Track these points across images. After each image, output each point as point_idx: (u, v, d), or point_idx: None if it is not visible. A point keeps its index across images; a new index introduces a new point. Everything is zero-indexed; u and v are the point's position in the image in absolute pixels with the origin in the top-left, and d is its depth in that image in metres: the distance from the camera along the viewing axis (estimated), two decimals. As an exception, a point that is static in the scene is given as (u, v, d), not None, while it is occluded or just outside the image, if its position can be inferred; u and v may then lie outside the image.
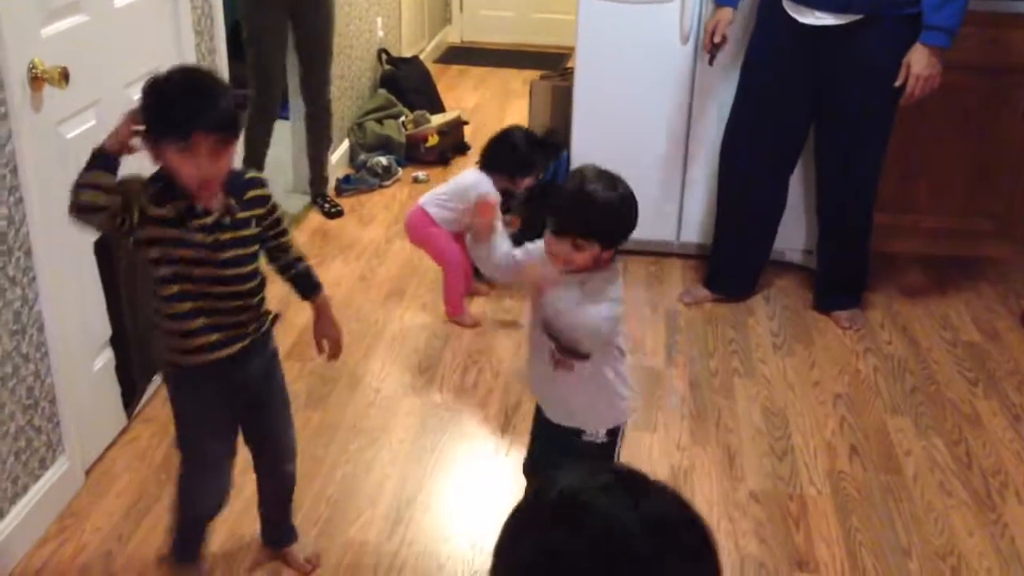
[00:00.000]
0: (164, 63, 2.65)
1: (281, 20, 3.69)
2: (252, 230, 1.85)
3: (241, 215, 1.82)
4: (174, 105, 1.71)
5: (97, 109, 2.35)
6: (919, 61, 2.87)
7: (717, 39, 3.15)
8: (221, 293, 1.82)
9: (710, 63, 3.25)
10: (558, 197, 1.89)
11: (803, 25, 2.94)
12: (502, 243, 1.96)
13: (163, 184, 1.76)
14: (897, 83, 2.91)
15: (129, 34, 2.50)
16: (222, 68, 3.05)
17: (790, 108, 3.11)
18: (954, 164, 3.59)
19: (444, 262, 3.21)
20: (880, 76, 2.94)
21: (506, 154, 3.16)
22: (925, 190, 3.64)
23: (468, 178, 3.21)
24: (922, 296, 3.45)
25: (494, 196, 2.89)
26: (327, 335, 2.08)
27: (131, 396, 2.60)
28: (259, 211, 1.87)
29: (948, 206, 3.66)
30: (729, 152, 3.26)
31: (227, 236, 1.80)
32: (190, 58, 2.80)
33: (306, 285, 2.02)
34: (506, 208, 3.04)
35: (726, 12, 3.15)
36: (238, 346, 1.87)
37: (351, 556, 2.21)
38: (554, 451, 2.04)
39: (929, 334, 3.21)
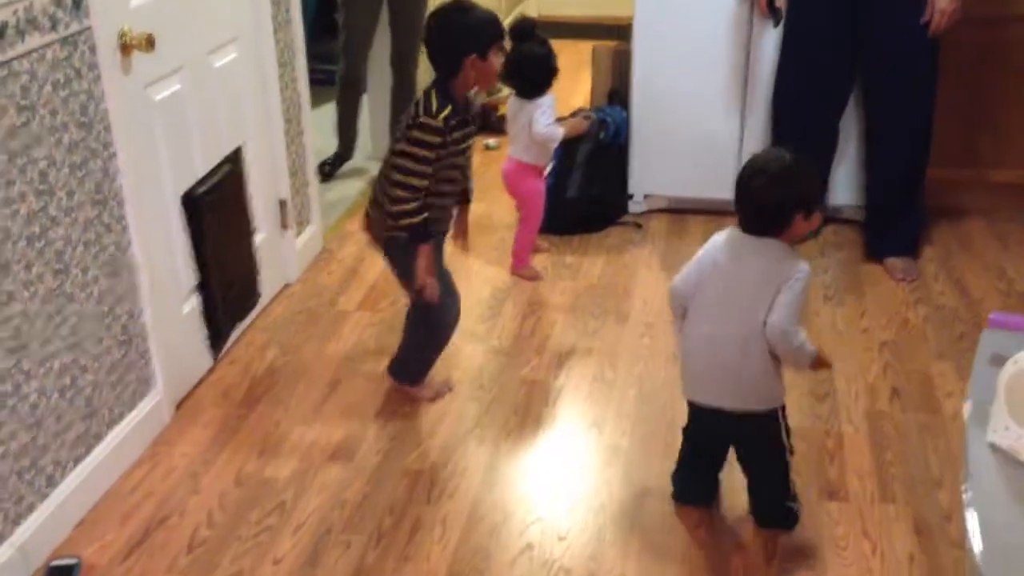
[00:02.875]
0: (242, 32, 2.90)
1: None
2: None
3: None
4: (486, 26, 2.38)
5: (181, 74, 2.59)
6: None
7: (777, 4, 3.26)
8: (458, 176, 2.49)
9: (775, 25, 3.34)
10: (748, 202, 2.05)
11: None
12: None
13: (451, 110, 2.35)
14: (923, 19, 3.02)
15: (209, 5, 2.73)
16: (297, 37, 3.27)
17: (834, 53, 3.22)
18: (1017, 117, 3.60)
19: (531, 215, 3.35)
20: (918, 15, 3.05)
21: (536, 68, 3.19)
22: (988, 144, 3.66)
23: (543, 100, 3.24)
24: (980, 249, 3.48)
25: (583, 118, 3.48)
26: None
27: (217, 339, 2.85)
28: None
29: (1011, 159, 3.68)
30: (779, 100, 3.38)
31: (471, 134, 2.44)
32: (267, 28, 3.03)
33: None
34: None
35: None
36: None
37: (405, 486, 2.41)
38: (752, 453, 2.18)
39: (983, 285, 3.24)
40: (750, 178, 2.04)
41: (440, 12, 2.45)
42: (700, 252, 2.14)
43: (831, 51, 3.23)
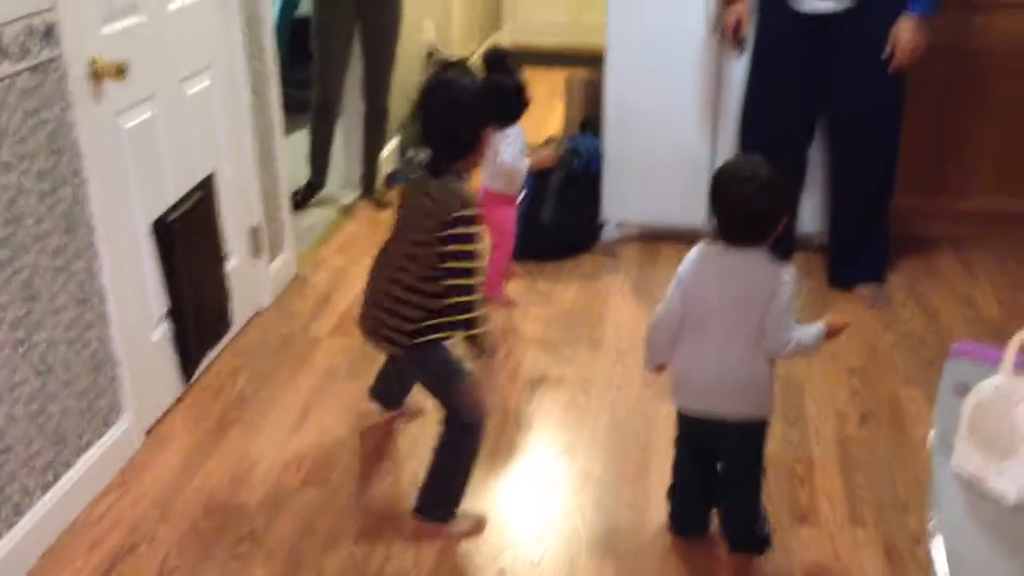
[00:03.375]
0: (215, 59, 2.91)
1: (349, 21, 3.93)
2: None
3: None
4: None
5: (153, 102, 2.59)
6: (905, 31, 3.04)
7: (741, 35, 3.31)
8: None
9: (740, 54, 3.39)
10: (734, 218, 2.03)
11: (803, 12, 3.11)
12: None
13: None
14: (884, 55, 3.08)
15: (182, 33, 2.74)
16: (269, 64, 3.28)
17: (801, 85, 3.26)
18: (982, 146, 3.67)
19: (503, 242, 3.35)
20: (884, 47, 3.10)
21: (504, 97, 3.08)
22: (954, 173, 3.72)
23: (507, 131, 3.22)
24: (948, 277, 3.53)
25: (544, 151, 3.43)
26: None
27: (188, 365, 2.83)
28: None
29: (977, 189, 3.73)
30: (746, 131, 3.42)
31: None
32: (239, 55, 3.04)
33: None
34: None
35: (743, 5, 3.30)
36: None
37: (378, 512, 2.40)
38: (737, 464, 2.17)
39: (951, 312, 3.29)
40: (736, 185, 2.01)
41: (446, 85, 2.13)
42: (679, 274, 2.11)
43: (797, 83, 3.27)
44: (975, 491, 1.33)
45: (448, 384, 2.23)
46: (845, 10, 3.07)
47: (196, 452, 2.60)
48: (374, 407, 2.73)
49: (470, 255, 2.10)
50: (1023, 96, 3.57)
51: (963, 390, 1.36)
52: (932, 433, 1.45)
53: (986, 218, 3.77)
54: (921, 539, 2.27)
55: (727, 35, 3.38)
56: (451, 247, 2.08)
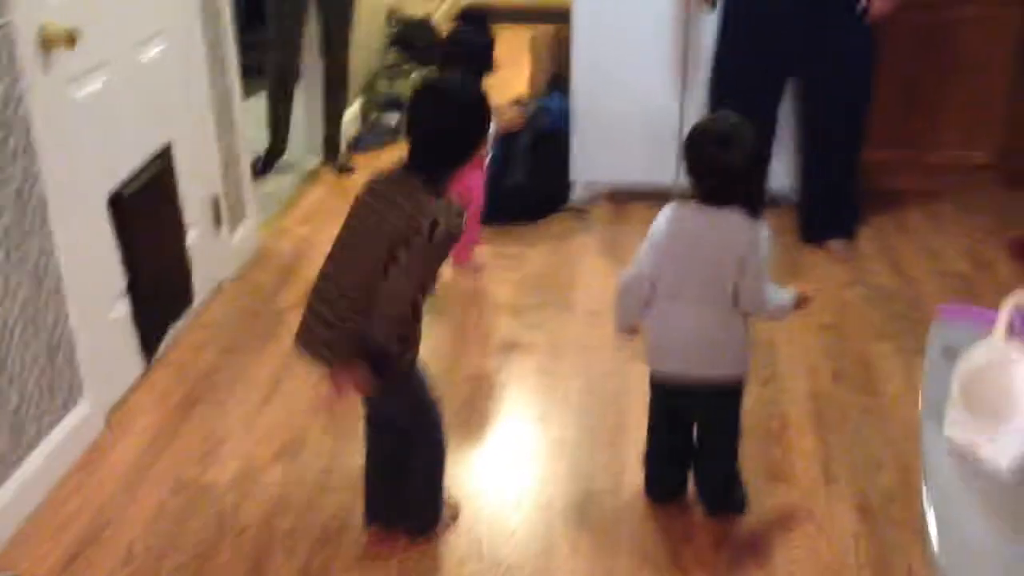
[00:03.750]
0: (169, 24, 2.82)
1: None
2: None
3: None
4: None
5: (105, 70, 2.50)
6: None
7: None
8: None
9: (711, 9, 3.34)
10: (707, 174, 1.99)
11: None
12: None
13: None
14: (860, 7, 3.05)
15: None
16: (226, 28, 3.18)
17: (773, 41, 3.22)
18: (952, 100, 3.65)
19: (471, 207, 3.29)
20: (856, 3, 3.06)
21: (467, 53, 3.04)
22: (923, 126, 3.71)
23: None
24: (916, 230, 3.52)
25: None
26: None
27: (150, 342, 2.77)
28: None
29: (946, 141, 3.72)
30: (717, 88, 3.38)
31: None
32: (195, 19, 2.94)
33: None
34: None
35: None
36: None
37: (350, 487, 2.37)
38: (714, 427, 2.15)
39: (919, 265, 3.29)
40: (712, 145, 1.96)
41: (443, 92, 1.96)
42: (651, 235, 2.07)
43: (769, 38, 3.23)
44: (967, 460, 1.29)
45: (422, 404, 2.09)
46: None
47: (162, 431, 2.54)
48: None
49: (417, 276, 1.89)
50: (991, 46, 3.55)
51: (951, 354, 1.34)
52: (920, 400, 1.41)
53: (953, 171, 3.76)
54: (895, 496, 2.27)
55: None
56: (402, 256, 1.85)
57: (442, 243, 1.86)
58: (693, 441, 2.22)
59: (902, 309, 3.02)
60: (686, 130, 3.52)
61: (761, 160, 2.01)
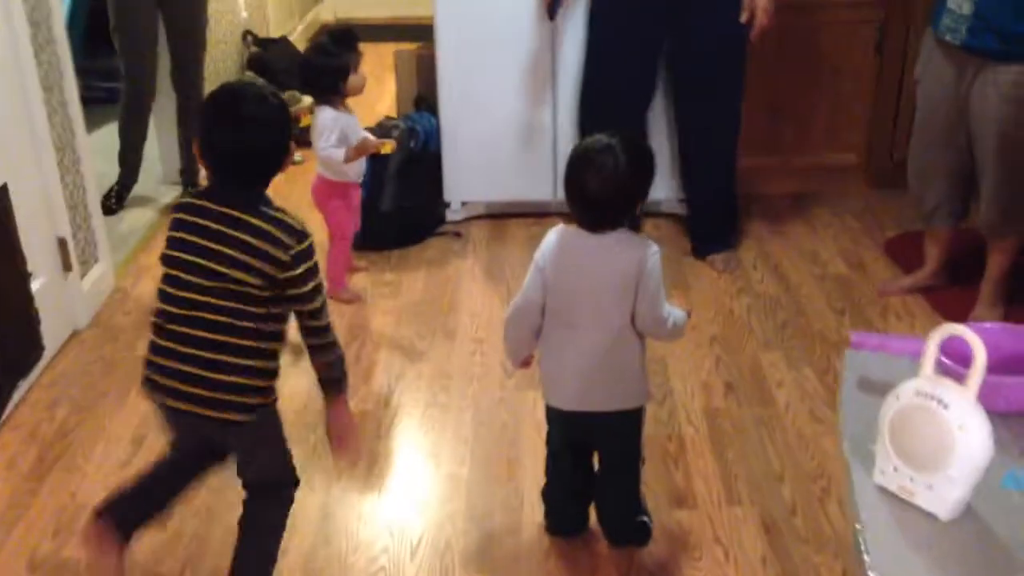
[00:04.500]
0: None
1: (150, 6, 3.59)
2: None
3: None
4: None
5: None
6: None
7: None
8: None
9: (551, 18, 3.29)
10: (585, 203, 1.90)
11: None
12: None
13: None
14: (743, 19, 3.02)
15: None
16: (63, 57, 2.94)
17: (642, 49, 3.19)
18: (814, 103, 3.70)
19: (338, 234, 3.13)
20: (729, 10, 3.04)
21: (315, 76, 2.97)
22: (790, 131, 3.74)
23: (320, 118, 3.06)
24: (792, 234, 3.55)
25: (370, 138, 3.03)
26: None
27: (-5, 404, 2.52)
28: None
29: (811, 144, 3.77)
30: (586, 99, 3.33)
31: None
32: (26, 49, 2.69)
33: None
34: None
35: None
36: None
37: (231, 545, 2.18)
38: (615, 456, 2.07)
39: (799, 270, 3.30)
40: (592, 174, 1.86)
41: (263, 98, 1.79)
42: (538, 261, 1.96)
43: (638, 48, 3.19)
44: (901, 506, 1.20)
45: (281, 451, 1.93)
46: None
47: (12, 504, 2.29)
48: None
49: (323, 294, 1.84)
50: (849, 48, 3.61)
51: (867, 386, 1.26)
52: (844, 441, 1.30)
53: (822, 173, 3.81)
54: (796, 510, 2.24)
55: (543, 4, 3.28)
56: (304, 283, 1.77)
57: (312, 253, 1.80)
58: (594, 471, 2.13)
59: (787, 316, 3.02)
60: (560, 143, 3.53)
61: (643, 181, 1.92)
